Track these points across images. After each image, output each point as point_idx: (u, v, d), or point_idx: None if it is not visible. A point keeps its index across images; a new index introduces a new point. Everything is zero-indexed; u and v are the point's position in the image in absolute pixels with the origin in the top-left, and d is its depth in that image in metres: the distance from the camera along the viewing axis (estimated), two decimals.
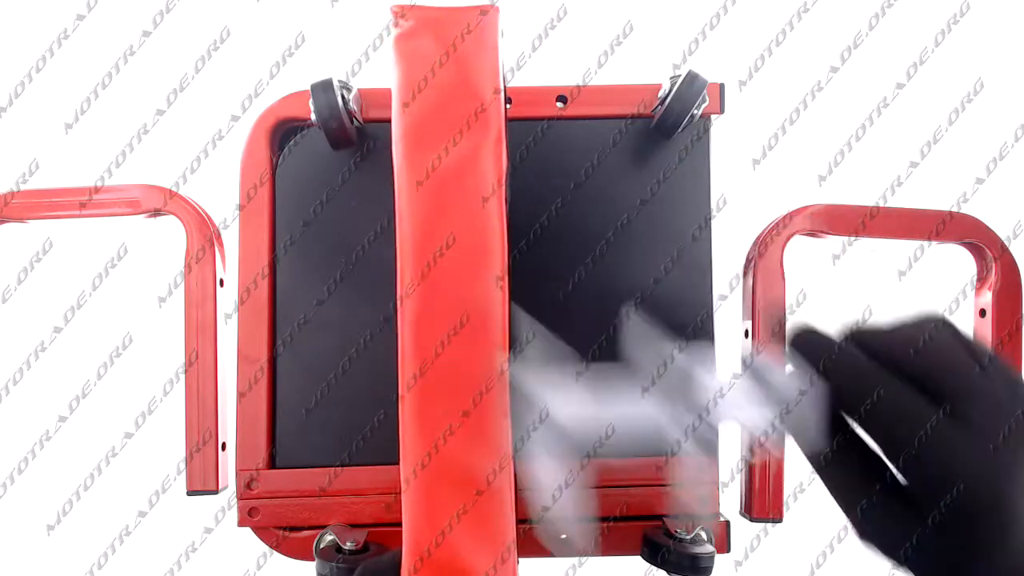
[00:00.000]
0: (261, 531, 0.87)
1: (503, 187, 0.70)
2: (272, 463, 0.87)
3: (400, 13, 0.72)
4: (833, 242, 0.93)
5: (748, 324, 0.90)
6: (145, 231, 0.94)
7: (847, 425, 0.59)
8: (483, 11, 0.72)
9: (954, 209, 0.92)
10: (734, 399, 0.61)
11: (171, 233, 0.90)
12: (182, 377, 0.87)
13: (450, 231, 0.68)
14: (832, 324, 0.59)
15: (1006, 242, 0.92)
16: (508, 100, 0.89)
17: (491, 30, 0.71)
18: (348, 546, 0.80)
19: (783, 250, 0.89)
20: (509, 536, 0.66)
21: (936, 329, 0.56)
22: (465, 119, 0.69)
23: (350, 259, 0.88)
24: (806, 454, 0.61)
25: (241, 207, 0.88)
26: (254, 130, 0.88)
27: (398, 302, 0.69)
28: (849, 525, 0.59)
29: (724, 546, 0.87)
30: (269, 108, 0.89)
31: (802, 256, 0.92)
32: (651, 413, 0.65)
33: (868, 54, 1.03)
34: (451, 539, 0.65)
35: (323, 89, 0.82)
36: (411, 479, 0.66)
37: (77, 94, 1.00)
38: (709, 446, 0.66)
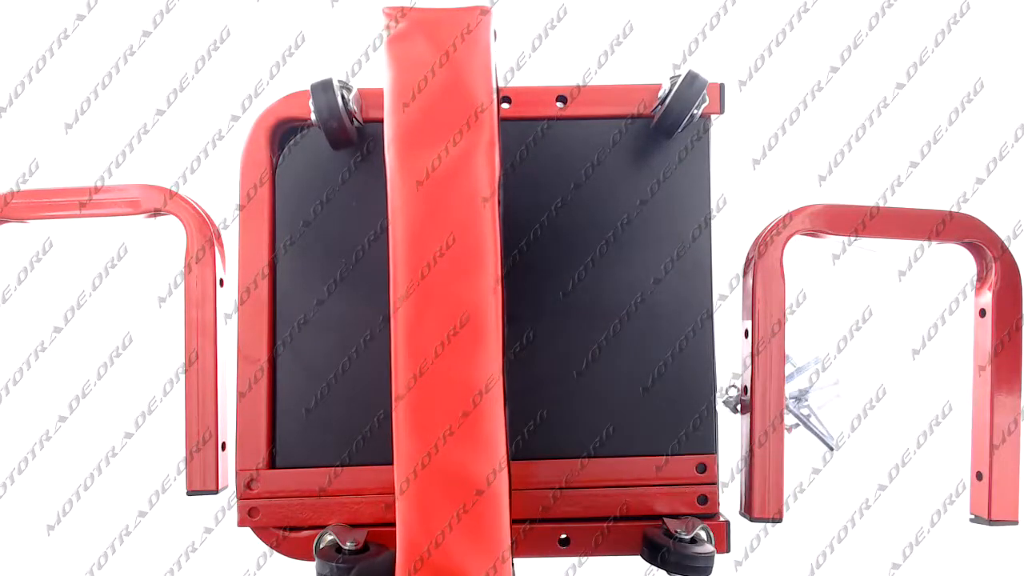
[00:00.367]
0: (261, 531, 0.87)
1: (497, 190, 0.69)
2: (272, 463, 0.87)
3: (393, 15, 0.72)
4: (833, 242, 0.93)
5: (748, 324, 0.90)
6: (145, 231, 0.94)
7: None
8: (475, 13, 0.72)
9: (954, 209, 0.92)
10: None
11: (171, 233, 0.90)
12: (182, 377, 0.87)
13: (444, 235, 0.67)
14: None
15: (1006, 242, 0.92)
16: (507, 100, 0.89)
17: (483, 32, 0.71)
18: (348, 546, 0.80)
19: (783, 250, 0.89)
20: (504, 541, 0.66)
21: None
22: (458, 122, 0.69)
23: (350, 259, 0.88)
24: None
25: (241, 207, 0.88)
26: (254, 130, 0.89)
27: (391, 307, 0.69)
28: None
29: (724, 546, 0.87)
30: (269, 108, 0.89)
31: (802, 256, 0.92)
32: None
33: (868, 54, 1.03)
34: (447, 544, 0.65)
35: (323, 89, 0.82)
36: (406, 485, 0.66)
37: (77, 94, 1.00)
38: None
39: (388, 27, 0.71)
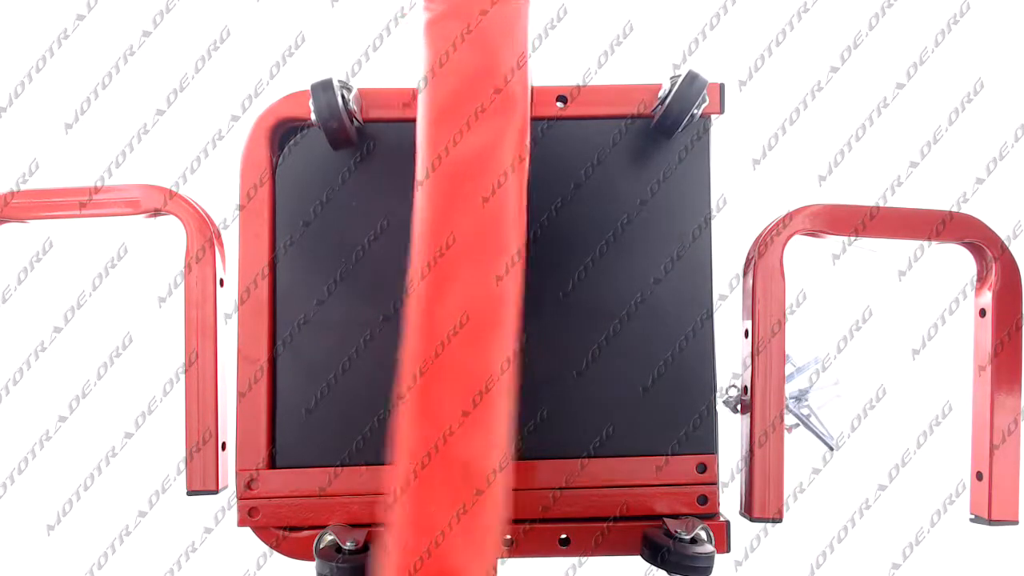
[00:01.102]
0: (261, 531, 0.87)
1: (526, 173, 0.69)
2: (272, 463, 0.87)
3: None
4: (833, 242, 0.93)
5: (748, 324, 0.90)
6: (145, 231, 0.94)
7: None
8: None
9: (954, 209, 0.92)
10: None
11: (171, 233, 0.90)
12: (182, 377, 0.87)
13: (468, 220, 0.67)
14: None
15: (1006, 242, 0.92)
16: None
17: (521, 17, 0.71)
18: (348, 546, 0.80)
19: (783, 250, 0.89)
20: (500, 537, 0.66)
21: None
22: (489, 105, 0.68)
23: (350, 259, 0.88)
24: None
25: (241, 207, 0.88)
26: (254, 130, 0.89)
27: (408, 287, 0.68)
28: None
29: (724, 546, 0.87)
30: (269, 108, 0.89)
31: (802, 256, 0.92)
32: None
33: (868, 54, 1.03)
34: (446, 542, 0.65)
35: (323, 89, 0.82)
36: (409, 479, 0.65)
37: (77, 94, 1.00)
38: None
39: (425, 9, 0.71)
